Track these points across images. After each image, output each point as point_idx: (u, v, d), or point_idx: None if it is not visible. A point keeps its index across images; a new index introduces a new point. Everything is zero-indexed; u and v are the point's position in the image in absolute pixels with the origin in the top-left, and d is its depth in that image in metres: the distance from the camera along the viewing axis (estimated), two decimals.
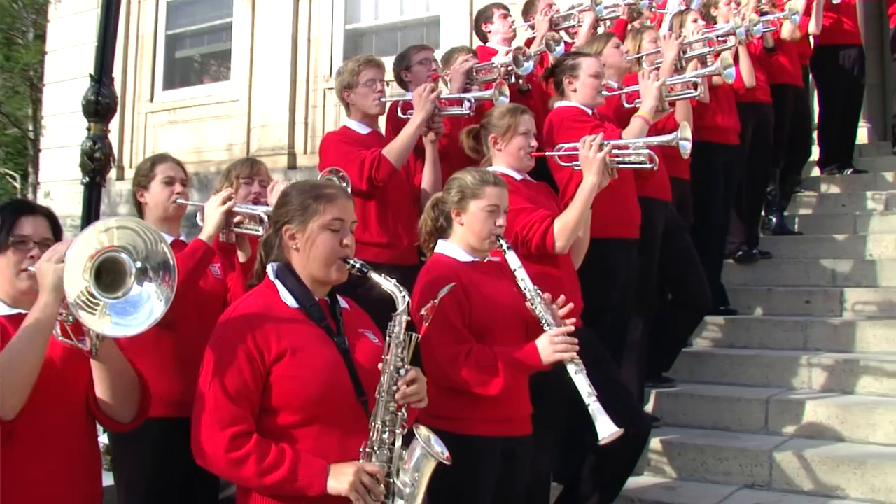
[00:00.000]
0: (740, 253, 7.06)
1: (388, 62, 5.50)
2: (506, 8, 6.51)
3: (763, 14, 6.84)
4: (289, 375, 2.68)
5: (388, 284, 2.82)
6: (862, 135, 9.17)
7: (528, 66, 5.41)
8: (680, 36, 5.76)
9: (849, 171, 8.37)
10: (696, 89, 5.22)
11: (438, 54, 5.80)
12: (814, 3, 7.43)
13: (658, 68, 5.43)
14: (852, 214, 7.61)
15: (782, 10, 7.11)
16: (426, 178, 4.83)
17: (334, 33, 11.66)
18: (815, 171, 8.57)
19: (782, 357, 5.92)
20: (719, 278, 6.65)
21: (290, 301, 2.84)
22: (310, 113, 11.62)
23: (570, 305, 3.49)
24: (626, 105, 5.09)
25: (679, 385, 5.85)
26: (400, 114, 4.98)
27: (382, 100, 4.88)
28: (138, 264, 2.46)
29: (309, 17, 11.77)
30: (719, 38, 5.92)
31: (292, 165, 11.45)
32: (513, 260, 3.56)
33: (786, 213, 7.80)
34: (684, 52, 5.62)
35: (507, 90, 4.96)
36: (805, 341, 6.14)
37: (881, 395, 5.45)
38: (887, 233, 7.19)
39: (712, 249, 6.41)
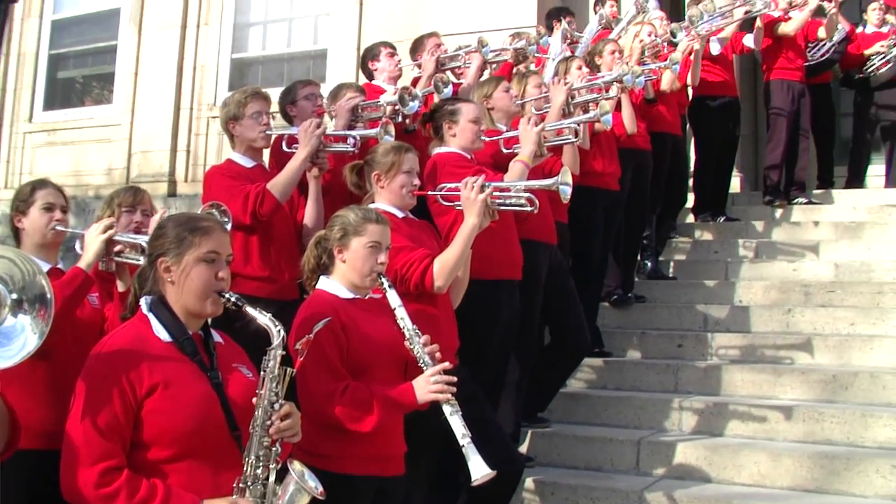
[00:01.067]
0: (615, 296, 7.21)
1: (275, 93, 5.49)
2: (392, 47, 6.58)
3: (644, 64, 7.01)
4: (160, 410, 2.65)
5: (262, 318, 2.83)
6: (735, 184, 9.52)
7: (414, 105, 5.45)
8: (565, 82, 5.91)
9: (722, 219, 8.69)
10: (576, 136, 5.33)
11: (325, 88, 5.82)
12: (692, 56, 7.66)
13: (540, 114, 5.54)
14: (724, 261, 7.88)
15: (663, 60, 7.32)
16: (308, 213, 4.82)
17: (220, 62, 11.57)
18: (690, 218, 8.85)
19: (654, 399, 6.06)
20: (595, 321, 6.76)
21: (163, 335, 2.82)
22: (192, 141, 11.48)
23: (436, 346, 3.53)
24: (505, 150, 5.15)
25: (553, 425, 5.92)
26: (285, 148, 4.95)
27: (268, 132, 4.87)
28: (14, 295, 2.40)
29: (196, 44, 11.65)
30: (604, 86, 6.06)
31: (172, 193, 11.27)
32: (393, 298, 3.59)
33: (660, 259, 8.00)
34: (572, 98, 5.74)
35: (392, 129, 5.01)
36: (676, 384, 6.30)
37: (747, 437, 5.64)
38: (756, 280, 7.48)
39: (589, 292, 6.50)
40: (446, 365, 3.49)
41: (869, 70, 9.69)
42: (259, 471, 2.68)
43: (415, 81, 6.49)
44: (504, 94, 5.44)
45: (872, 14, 9.90)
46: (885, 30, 9.80)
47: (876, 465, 5.00)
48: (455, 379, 3.47)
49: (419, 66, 6.59)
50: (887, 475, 4.96)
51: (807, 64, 9.23)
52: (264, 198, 4.56)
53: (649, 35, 7.39)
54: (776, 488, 5.13)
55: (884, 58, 9.60)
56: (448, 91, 5.81)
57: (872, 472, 4.99)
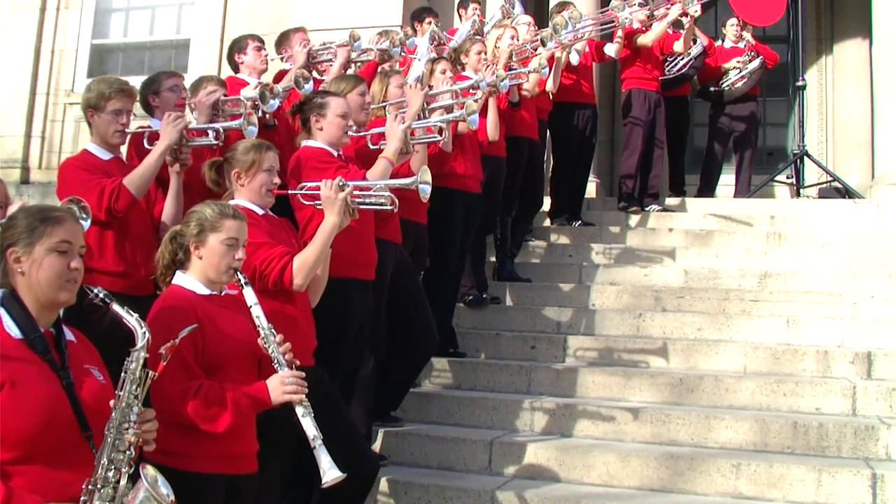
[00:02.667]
0: (471, 297, 7.27)
1: (135, 81, 5.36)
2: (261, 40, 6.47)
3: (511, 69, 7.09)
4: (6, 410, 2.56)
5: (129, 319, 2.79)
6: (591, 189, 9.72)
7: (275, 103, 5.37)
8: (429, 83, 5.93)
9: (577, 224, 8.89)
10: (441, 134, 5.38)
11: (188, 78, 5.71)
12: (553, 63, 7.79)
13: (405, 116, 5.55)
14: (578, 265, 8.06)
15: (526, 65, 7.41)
16: (168, 209, 4.71)
17: (80, 47, 11.30)
18: (546, 222, 9.01)
19: (507, 400, 6.14)
20: (451, 321, 6.82)
21: (14, 331, 2.73)
22: (48, 127, 11.18)
23: (289, 345, 3.54)
24: (371, 146, 5.17)
25: (407, 424, 5.96)
26: (146, 144, 4.83)
27: (127, 131, 4.76)
28: None
29: (55, 28, 11.34)
30: (465, 91, 6.10)
31: (25, 180, 10.94)
32: (249, 296, 3.57)
33: (516, 261, 8.10)
34: (429, 104, 5.76)
35: (255, 121, 4.95)
36: (529, 385, 6.42)
37: (597, 438, 5.79)
38: (609, 284, 7.69)
39: (446, 293, 6.60)
40: (299, 365, 3.52)
41: (724, 84, 10.07)
42: (111, 474, 2.62)
43: (279, 75, 6.43)
44: (358, 97, 5.37)
45: (730, 30, 10.29)
46: (741, 45, 10.19)
47: (717, 464, 5.22)
48: (303, 375, 3.48)
49: (289, 59, 6.51)
50: (728, 474, 5.18)
51: (665, 77, 9.52)
52: (119, 193, 4.46)
53: (511, 38, 7.46)
54: (624, 488, 5.29)
55: (739, 73, 10.00)
56: (308, 88, 5.75)
57: (714, 471, 5.21)
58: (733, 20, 10.27)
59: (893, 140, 9.48)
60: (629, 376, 6.27)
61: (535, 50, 7.51)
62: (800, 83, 10.57)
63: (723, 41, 10.37)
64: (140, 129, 4.95)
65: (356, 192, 4.25)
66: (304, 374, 3.49)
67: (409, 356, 5.83)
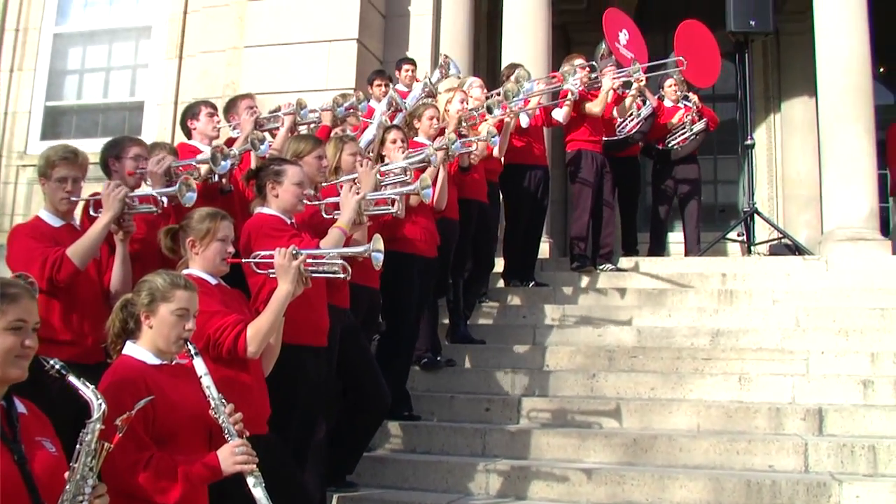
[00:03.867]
0: (425, 360, 7.30)
1: (90, 143, 5.37)
2: (213, 106, 6.53)
3: (462, 136, 7.19)
4: None
5: (86, 391, 2.82)
6: (544, 249, 9.83)
7: (226, 164, 5.45)
8: (381, 153, 6.04)
9: (530, 285, 8.97)
10: (394, 206, 5.46)
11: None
12: (503, 131, 7.88)
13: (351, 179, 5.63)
14: (532, 326, 8.14)
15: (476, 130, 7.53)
16: (115, 276, 4.74)
17: (34, 109, 11.32)
18: (500, 283, 9.09)
19: (462, 463, 6.17)
20: (405, 384, 6.85)
21: None
22: (0, 189, 11.12)
23: (240, 415, 3.57)
24: (325, 216, 5.23)
25: (362, 489, 5.95)
26: (92, 212, 4.86)
27: (72, 199, 4.78)
28: None
29: (8, 89, 11.35)
30: (414, 166, 6.18)
31: None
32: (199, 366, 3.61)
33: (469, 323, 8.14)
34: (380, 178, 5.85)
35: (194, 185, 4.97)
36: (484, 448, 6.44)
37: (552, 500, 5.81)
38: (563, 345, 7.76)
39: (401, 356, 6.64)
40: (249, 434, 3.54)
41: (670, 143, 10.28)
42: None
43: (230, 142, 6.49)
44: (316, 160, 5.47)
45: (669, 90, 10.52)
46: (681, 105, 10.44)
47: None
48: (249, 445, 3.50)
49: (237, 126, 6.58)
50: None
51: (616, 138, 9.72)
52: (62, 264, 4.48)
53: (461, 103, 7.60)
54: None
55: (683, 134, 10.22)
56: (264, 148, 5.84)
57: None
58: (671, 80, 10.51)
59: (840, 196, 9.73)
60: (584, 437, 6.32)
61: (484, 115, 7.62)
62: (748, 142, 10.85)
63: (662, 100, 10.59)
64: (89, 198, 4.96)
65: (309, 261, 4.31)
66: (259, 441, 3.52)
67: (362, 420, 5.86)
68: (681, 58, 9.34)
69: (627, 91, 9.47)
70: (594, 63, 9.10)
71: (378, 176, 5.77)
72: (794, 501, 5.47)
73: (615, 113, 9.50)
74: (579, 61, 8.89)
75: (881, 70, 14.67)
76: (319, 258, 4.39)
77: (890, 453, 5.79)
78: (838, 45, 10.00)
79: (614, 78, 8.96)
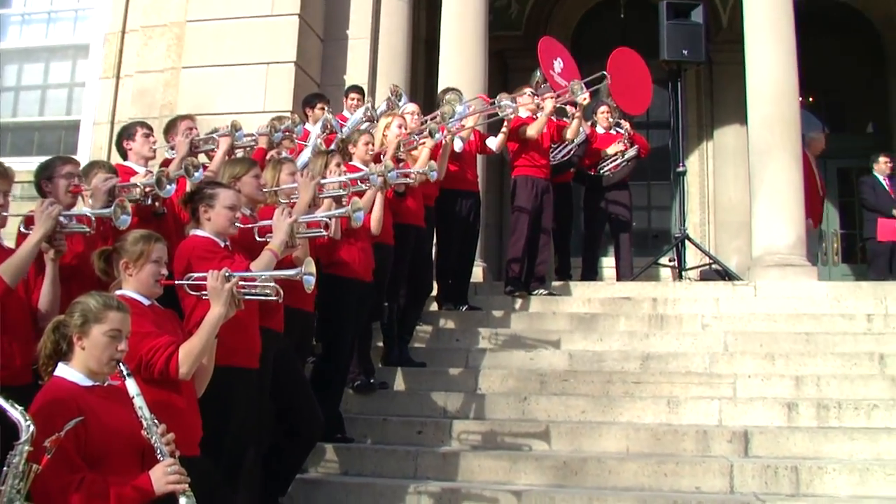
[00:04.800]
0: (358, 383, 7.35)
1: (25, 162, 5.35)
2: (149, 127, 6.59)
3: (399, 161, 7.29)
4: None
5: (13, 412, 2.84)
6: (478, 273, 9.94)
7: (171, 189, 5.48)
8: (321, 174, 6.12)
9: (464, 308, 9.07)
10: (327, 229, 5.54)
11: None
12: (439, 152, 8.03)
13: (293, 203, 5.71)
14: (465, 349, 8.25)
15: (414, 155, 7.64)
16: (44, 296, 4.71)
17: None
18: (433, 307, 9.18)
19: (393, 485, 6.23)
20: (338, 407, 6.89)
21: None
22: None
23: (172, 436, 3.60)
24: (259, 238, 5.27)
25: None
26: (23, 229, 4.86)
27: (3, 213, 4.78)
28: None
29: None
30: (353, 181, 6.30)
31: None
32: (132, 387, 3.64)
33: (410, 346, 8.22)
34: (319, 193, 5.94)
35: (129, 208, 4.99)
36: (416, 470, 6.50)
37: None
38: (496, 368, 7.87)
39: (336, 380, 6.70)
40: (180, 455, 3.58)
41: (602, 170, 10.47)
42: None
43: (166, 163, 6.52)
44: (253, 179, 5.55)
45: (601, 116, 10.73)
46: (613, 132, 10.65)
47: None
48: (180, 467, 3.54)
49: (172, 148, 6.61)
50: None
51: (551, 164, 9.82)
52: None
53: (399, 128, 7.71)
54: None
55: (614, 161, 10.42)
56: (198, 175, 5.87)
57: None
58: (604, 107, 10.73)
59: (768, 223, 10.02)
60: (514, 460, 6.41)
61: (422, 140, 7.72)
62: (680, 169, 11.09)
63: (594, 127, 10.78)
64: (22, 214, 4.95)
65: (242, 283, 4.35)
66: (192, 462, 3.56)
67: (295, 443, 5.89)
68: (604, 73, 9.43)
69: (565, 119, 9.64)
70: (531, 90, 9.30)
71: (317, 191, 5.85)
72: None
73: (567, 134, 9.64)
74: (528, 90, 9.11)
75: (810, 99, 15.10)
76: (252, 281, 4.44)
77: (811, 474, 5.98)
78: (767, 75, 10.32)
79: (556, 99, 9.12)
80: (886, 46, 15.84)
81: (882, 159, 11.97)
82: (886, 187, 11.83)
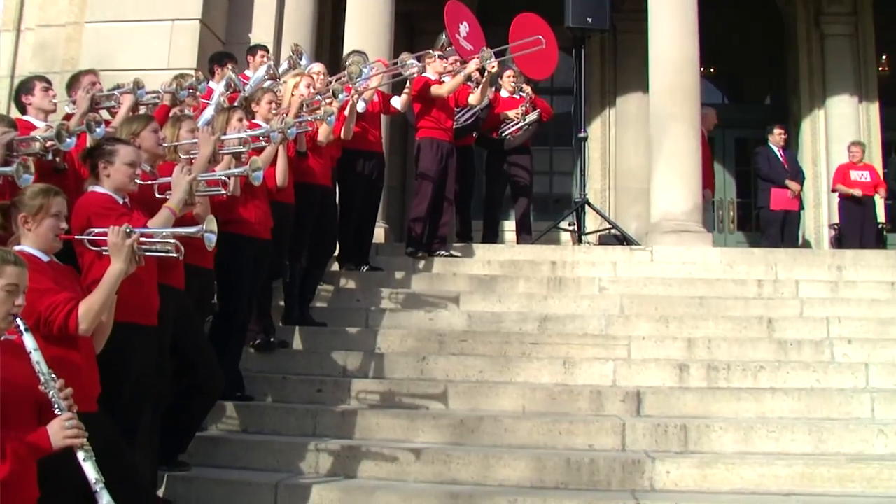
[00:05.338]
0: (258, 341, 7.40)
1: None
2: (48, 81, 6.50)
3: (301, 118, 7.30)
4: None
5: None
6: (380, 234, 10.03)
7: (71, 142, 5.41)
8: (224, 131, 6.11)
9: (365, 269, 9.16)
10: (225, 187, 5.57)
11: None
12: (346, 110, 8.08)
13: (193, 160, 5.71)
14: (365, 309, 8.35)
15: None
16: None
17: None
18: (335, 267, 9.25)
19: (293, 443, 6.30)
20: (238, 365, 6.93)
21: None
22: None
23: (70, 390, 3.62)
24: (158, 195, 5.26)
25: (194, 469, 6.00)
26: None
27: None
28: None
29: None
30: (254, 138, 6.32)
31: None
32: (29, 342, 3.63)
33: (311, 306, 8.29)
34: (219, 150, 5.95)
35: (32, 167, 4.95)
36: (315, 428, 6.58)
37: (380, 479, 5.99)
38: (395, 328, 8.00)
39: (234, 337, 6.72)
40: (78, 410, 3.60)
41: (504, 133, 10.61)
42: None
43: (68, 117, 6.45)
44: (152, 134, 5.54)
45: (507, 80, 10.86)
46: (517, 96, 10.78)
47: (495, 502, 5.52)
48: (78, 422, 3.56)
49: (74, 102, 6.55)
50: None
51: (455, 127, 9.90)
52: None
53: (307, 87, 7.72)
54: None
55: (516, 125, 10.56)
56: (100, 132, 5.82)
57: None
58: (510, 71, 10.86)
59: (666, 190, 10.29)
60: (413, 418, 6.53)
61: (329, 100, 7.73)
62: (581, 135, 11.31)
63: (498, 91, 10.91)
64: None
65: (143, 240, 4.35)
66: (90, 418, 3.58)
67: (196, 400, 5.93)
68: (539, 37, 9.59)
69: (470, 84, 9.73)
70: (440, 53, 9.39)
71: (217, 146, 5.87)
72: (610, 478, 5.80)
73: (471, 100, 9.73)
74: (437, 53, 9.20)
75: (711, 70, 15.46)
76: (152, 237, 4.45)
77: (699, 432, 6.22)
78: (669, 45, 10.57)
79: (463, 62, 9.24)
80: (785, 19, 16.28)
81: (777, 131, 12.41)
82: (780, 158, 12.27)
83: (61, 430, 3.50)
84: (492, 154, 10.99)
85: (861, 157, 12.67)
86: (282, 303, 8.11)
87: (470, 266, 9.50)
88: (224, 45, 10.65)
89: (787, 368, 7.18)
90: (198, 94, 7.26)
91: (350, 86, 8.03)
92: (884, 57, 16.05)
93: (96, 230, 4.50)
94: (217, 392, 6.07)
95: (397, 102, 9.05)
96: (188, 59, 10.15)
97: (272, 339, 7.52)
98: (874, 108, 15.42)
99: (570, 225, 11.32)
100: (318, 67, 8.42)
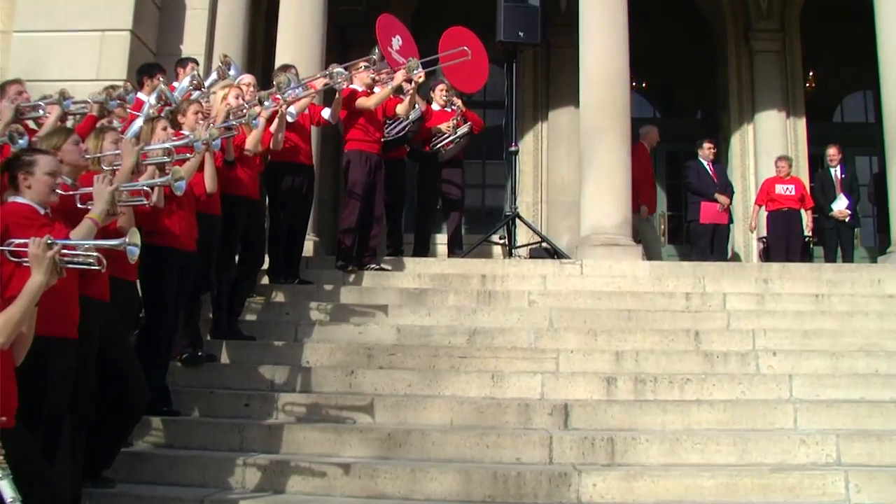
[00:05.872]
0: (185, 355, 7.34)
1: None
2: None
3: (228, 129, 7.30)
4: None
5: None
6: (309, 248, 10.03)
7: None
8: (148, 142, 6.09)
9: (295, 282, 9.15)
10: (148, 197, 5.54)
11: None
12: (275, 121, 8.10)
13: (115, 171, 5.67)
14: (295, 323, 8.36)
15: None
16: None
17: None
18: (265, 280, 9.23)
19: (219, 458, 6.27)
20: (164, 379, 6.88)
21: None
22: None
23: None
24: (80, 205, 5.22)
25: (119, 485, 5.94)
26: None
27: None
28: None
29: None
30: (179, 148, 6.29)
31: None
32: None
33: (240, 320, 8.27)
34: (143, 160, 5.91)
35: None
36: (242, 442, 6.56)
37: (308, 493, 6.01)
38: (324, 342, 8.01)
39: (160, 350, 6.68)
40: (2, 421, 3.56)
41: (435, 146, 10.67)
42: None
43: None
44: (73, 147, 5.48)
45: (438, 94, 10.93)
46: (448, 109, 10.85)
47: None
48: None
49: None
50: None
51: (384, 139, 9.93)
52: None
53: (236, 98, 7.71)
54: None
55: (447, 137, 10.62)
56: (23, 142, 5.78)
57: None
58: (441, 84, 10.94)
59: (596, 203, 10.46)
60: (340, 432, 6.54)
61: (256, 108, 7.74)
62: (512, 149, 11.40)
63: (430, 104, 10.97)
64: None
65: (64, 251, 4.33)
66: (8, 433, 3.55)
67: (120, 414, 5.86)
68: (465, 48, 9.69)
69: (400, 96, 9.78)
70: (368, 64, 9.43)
71: (140, 157, 5.83)
72: (537, 491, 5.87)
73: (399, 111, 9.76)
74: (363, 64, 9.23)
75: (643, 85, 15.69)
76: (74, 249, 4.42)
77: (626, 444, 6.32)
78: (599, 59, 10.77)
79: (390, 73, 9.29)
80: (715, 35, 16.58)
81: (706, 145, 12.65)
82: (710, 172, 12.49)
83: None
84: (424, 167, 11.02)
85: (788, 171, 12.94)
86: (210, 315, 8.06)
87: (400, 279, 9.54)
88: (155, 56, 10.60)
89: (713, 380, 7.32)
90: (126, 105, 7.21)
91: (278, 96, 8.04)
92: (811, 73, 16.38)
93: (16, 241, 4.45)
94: (143, 406, 6.01)
95: (327, 114, 9.07)
96: (118, 69, 10.09)
97: (200, 353, 7.46)
98: (801, 123, 15.76)
99: (500, 238, 11.40)
100: (248, 79, 8.40)
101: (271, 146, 8.23)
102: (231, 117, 7.52)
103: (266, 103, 7.80)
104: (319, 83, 8.81)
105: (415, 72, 9.22)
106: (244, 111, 7.63)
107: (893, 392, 7.24)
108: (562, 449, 6.35)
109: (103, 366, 5.58)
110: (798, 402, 6.98)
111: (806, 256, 12.80)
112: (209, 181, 7.05)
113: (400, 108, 9.72)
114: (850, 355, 7.82)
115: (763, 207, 13.04)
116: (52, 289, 4.34)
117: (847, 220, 12.61)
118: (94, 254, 4.41)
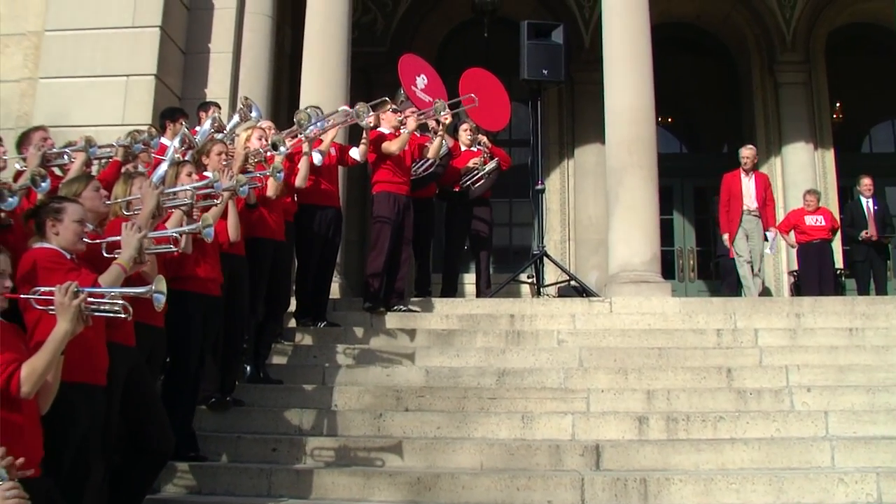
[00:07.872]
0: (213, 400, 7.34)
1: None
2: None
3: (248, 171, 7.33)
4: None
5: None
6: (335, 289, 10.01)
7: (12, 202, 5.40)
8: (173, 186, 6.12)
9: (322, 324, 9.13)
10: (176, 244, 5.55)
11: None
12: (301, 162, 8.14)
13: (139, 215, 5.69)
14: (322, 366, 8.32)
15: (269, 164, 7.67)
16: None
17: None
18: (292, 323, 9.23)
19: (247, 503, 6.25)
20: (190, 425, 6.86)
21: None
22: None
23: (22, 460, 3.58)
24: (106, 254, 5.22)
25: None
26: None
27: None
28: None
29: None
30: (200, 192, 6.31)
31: None
32: None
33: (267, 363, 8.25)
34: (165, 202, 5.92)
35: None
36: (269, 488, 6.50)
37: None
38: (352, 385, 7.96)
39: (185, 396, 6.66)
40: (28, 474, 3.55)
41: (465, 184, 10.68)
42: None
43: (18, 175, 6.44)
44: (94, 193, 5.52)
45: (464, 134, 10.97)
46: (474, 149, 10.87)
47: None
48: (20, 490, 3.52)
49: (24, 159, 6.53)
50: None
51: (412, 178, 9.94)
52: None
53: (259, 140, 7.75)
54: None
55: (476, 175, 10.64)
56: (45, 186, 5.82)
57: None
58: (466, 125, 10.97)
59: (624, 241, 10.40)
60: (369, 476, 6.48)
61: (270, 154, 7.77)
62: (539, 187, 11.38)
63: (458, 142, 11.02)
64: None
65: (90, 299, 4.34)
66: (33, 483, 3.53)
67: (146, 460, 5.82)
68: (472, 95, 9.75)
69: (428, 135, 9.81)
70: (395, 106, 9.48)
71: (160, 199, 5.84)
72: None
73: (429, 153, 9.82)
74: (391, 106, 9.27)
75: (669, 120, 15.68)
76: (99, 297, 4.43)
77: (659, 485, 6.23)
78: (624, 96, 10.75)
79: (419, 117, 9.32)
80: (739, 68, 16.57)
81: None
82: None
83: (2, 500, 3.46)
84: (452, 206, 11.03)
85: (816, 205, 12.86)
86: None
87: (428, 321, 9.50)
88: (180, 100, 10.69)
89: (746, 418, 7.23)
90: (151, 149, 7.25)
91: (300, 135, 8.08)
92: (837, 104, 16.33)
93: (43, 289, 4.46)
94: (168, 452, 5.97)
95: (355, 153, 9.09)
96: (143, 114, 10.17)
97: (228, 398, 7.44)
98: (829, 154, 15.70)
99: (528, 277, 11.37)
100: (266, 124, 8.45)
101: (297, 183, 8.30)
102: (251, 162, 7.58)
103: (281, 148, 7.78)
104: (344, 122, 8.83)
105: (441, 113, 9.26)
106: (272, 158, 7.68)
107: None
108: (594, 491, 6.26)
109: (128, 411, 5.57)
110: (835, 440, 6.88)
111: (838, 289, 12.68)
112: (232, 230, 7.07)
113: (430, 152, 9.77)
114: (887, 390, 7.71)
115: (790, 234, 12.91)
116: (79, 335, 4.35)
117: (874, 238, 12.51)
118: (121, 302, 4.42)
